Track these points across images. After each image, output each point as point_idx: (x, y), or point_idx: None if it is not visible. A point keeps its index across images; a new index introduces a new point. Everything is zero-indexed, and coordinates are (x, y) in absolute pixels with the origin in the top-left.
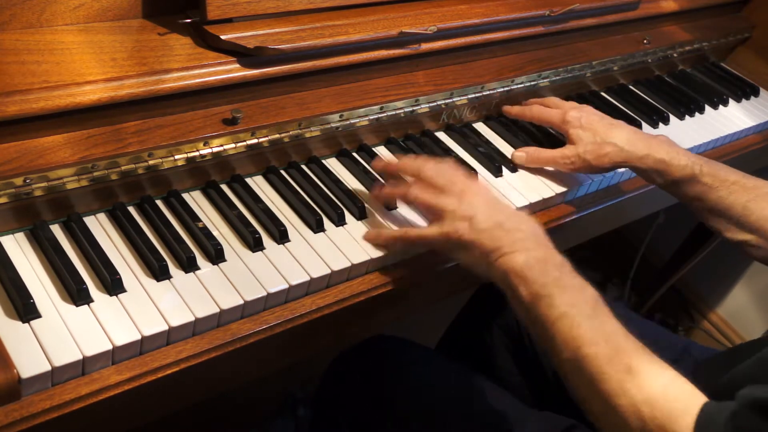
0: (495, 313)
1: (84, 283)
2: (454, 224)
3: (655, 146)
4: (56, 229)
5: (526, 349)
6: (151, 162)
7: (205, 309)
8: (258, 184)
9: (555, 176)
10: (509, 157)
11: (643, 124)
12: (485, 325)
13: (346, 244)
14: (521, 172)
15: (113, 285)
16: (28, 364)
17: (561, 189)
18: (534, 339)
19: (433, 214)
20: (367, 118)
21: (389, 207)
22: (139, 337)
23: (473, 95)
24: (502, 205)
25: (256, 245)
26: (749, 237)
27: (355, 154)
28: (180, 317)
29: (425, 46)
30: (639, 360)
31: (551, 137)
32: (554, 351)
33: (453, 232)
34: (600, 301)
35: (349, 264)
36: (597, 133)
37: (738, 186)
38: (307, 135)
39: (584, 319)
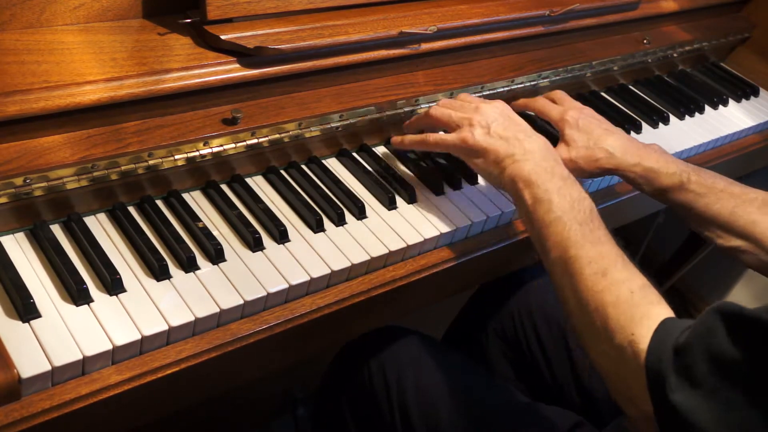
0: (490, 317)
1: (84, 283)
2: (472, 130)
3: (645, 155)
4: (56, 229)
5: (524, 355)
6: (151, 162)
7: (205, 309)
8: (258, 184)
9: None
10: None
11: (643, 124)
12: (482, 329)
13: (346, 244)
14: None
15: (113, 285)
16: (28, 363)
17: None
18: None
19: (452, 127)
20: (367, 118)
21: (402, 149)
22: (139, 336)
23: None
24: (518, 120)
25: (256, 245)
26: (739, 243)
27: (355, 154)
28: (180, 317)
29: (425, 46)
30: (615, 265)
31: (551, 138)
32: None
33: (470, 137)
34: (595, 211)
35: (349, 264)
36: (591, 137)
37: (725, 193)
38: (307, 135)
39: (576, 224)
